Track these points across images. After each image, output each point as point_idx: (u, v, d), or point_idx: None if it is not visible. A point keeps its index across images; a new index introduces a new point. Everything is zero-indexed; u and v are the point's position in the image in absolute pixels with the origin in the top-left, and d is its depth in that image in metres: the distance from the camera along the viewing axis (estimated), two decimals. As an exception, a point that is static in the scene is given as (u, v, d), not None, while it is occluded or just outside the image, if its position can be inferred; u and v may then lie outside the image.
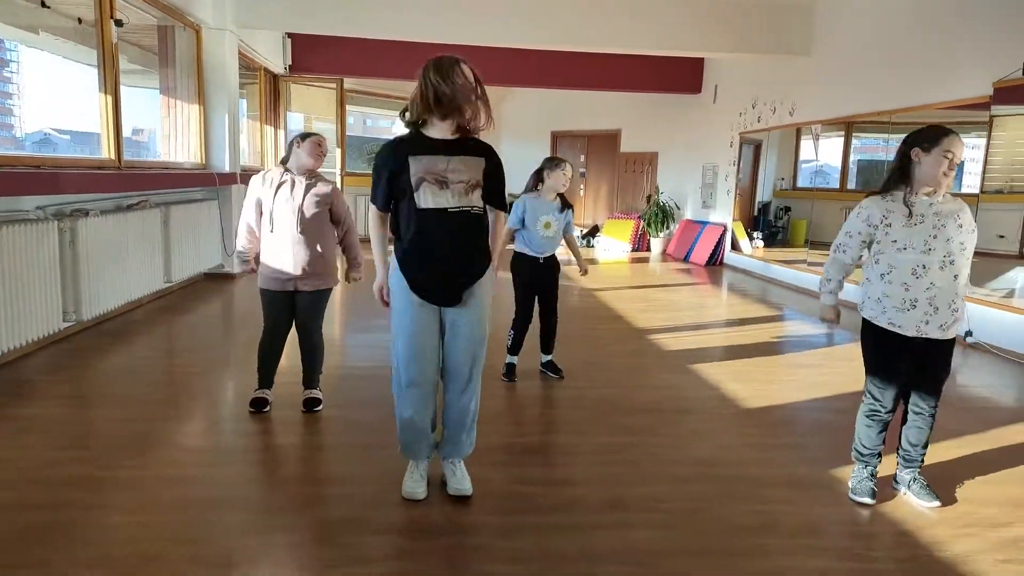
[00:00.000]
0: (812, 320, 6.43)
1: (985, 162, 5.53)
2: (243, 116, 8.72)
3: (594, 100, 11.99)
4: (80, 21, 5.41)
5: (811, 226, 8.37)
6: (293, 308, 3.38)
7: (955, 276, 2.49)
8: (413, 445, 2.60)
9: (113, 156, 5.37)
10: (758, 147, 9.64)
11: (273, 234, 3.28)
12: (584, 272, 4.35)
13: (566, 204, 4.07)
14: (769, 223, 9.57)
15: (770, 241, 9.42)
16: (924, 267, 2.47)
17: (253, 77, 9.29)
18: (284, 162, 3.35)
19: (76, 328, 4.80)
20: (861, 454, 2.73)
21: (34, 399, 3.59)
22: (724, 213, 10.20)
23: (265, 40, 8.91)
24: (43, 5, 5.02)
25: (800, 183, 8.92)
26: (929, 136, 2.46)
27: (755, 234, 9.61)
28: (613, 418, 3.56)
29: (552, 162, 4.01)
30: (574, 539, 2.35)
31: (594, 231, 12.38)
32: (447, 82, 2.31)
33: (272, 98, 9.88)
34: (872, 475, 2.70)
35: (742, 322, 6.26)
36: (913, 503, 2.66)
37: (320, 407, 3.48)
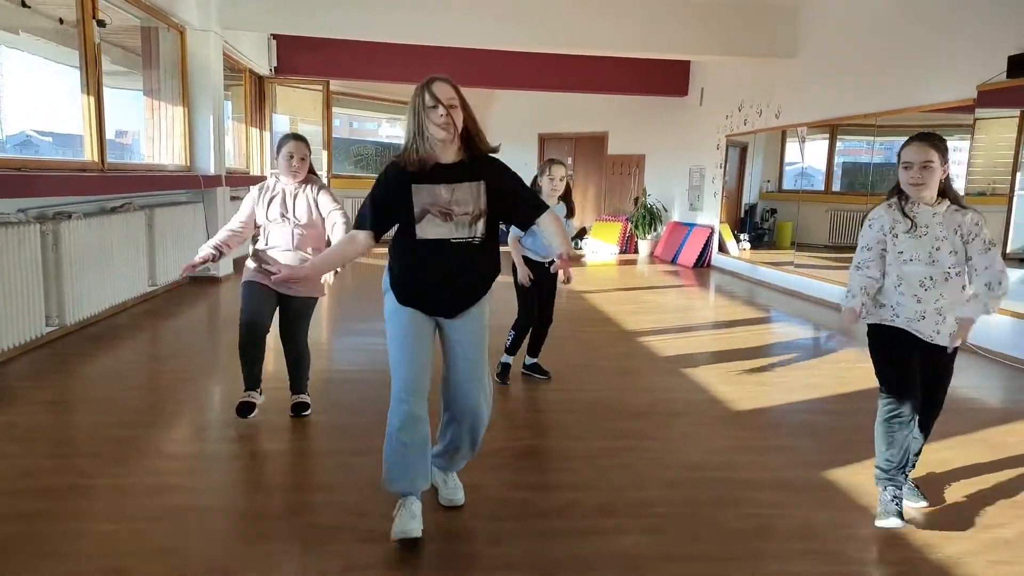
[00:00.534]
0: (799, 321, 6.45)
1: (968, 164, 5.58)
2: (228, 118, 8.65)
3: (581, 103, 12.01)
4: (62, 21, 5.33)
5: (797, 228, 8.41)
6: (275, 305, 3.28)
7: (963, 286, 2.47)
8: (399, 469, 2.30)
9: (96, 158, 5.30)
10: (744, 149, 9.68)
11: (268, 245, 3.22)
12: (567, 278, 4.18)
13: (571, 210, 4.01)
14: (756, 225, 9.61)
15: (757, 243, 9.45)
16: (931, 279, 2.44)
17: (238, 79, 9.22)
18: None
19: (59, 333, 4.72)
20: (885, 471, 2.51)
21: (14, 405, 3.52)
22: (711, 215, 10.24)
23: (250, 41, 8.85)
24: (23, 5, 4.93)
25: (786, 185, 8.96)
26: (898, 154, 2.48)
27: (742, 236, 9.64)
28: (605, 422, 3.54)
29: (542, 165, 3.99)
30: (566, 545, 2.32)
31: (582, 233, 12.38)
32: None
33: (257, 100, 9.81)
34: (897, 497, 2.47)
35: (730, 324, 6.27)
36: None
37: (308, 411, 3.43)
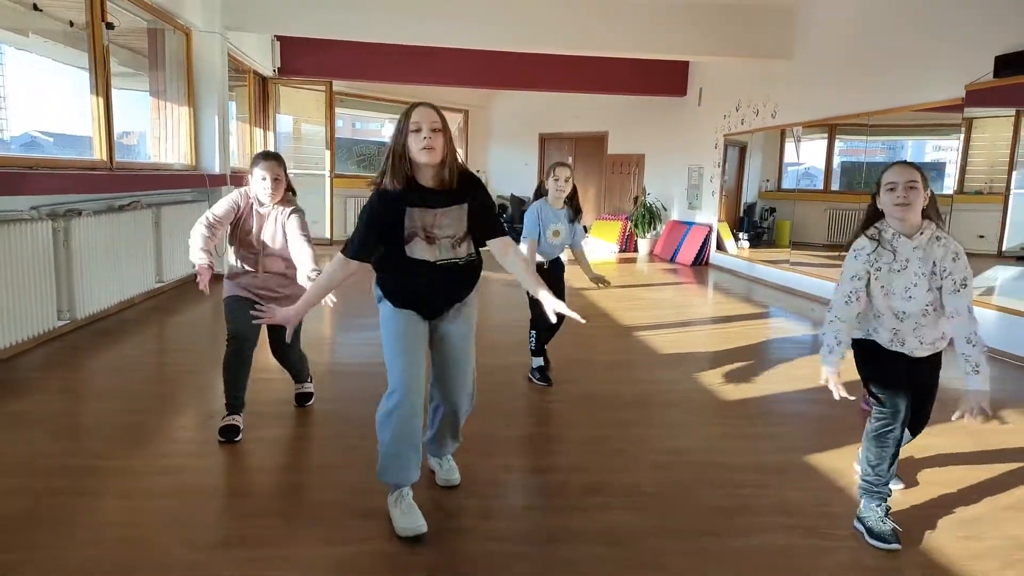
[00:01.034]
0: (795, 317, 6.56)
1: (964, 163, 5.68)
2: (233, 118, 8.78)
3: (581, 103, 12.14)
4: (72, 24, 5.47)
5: (794, 227, 8.51)
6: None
7: (939, 318, 2.43)
8: (392, 461, 2.40)
9: (105, 157, 5.44)
10: (743, 149, 9.79)
11: (240, 266, 3.17)
12: (599, 281, 4.12)
13: (577, 212, 4.03)
14: (754, 224, 9.71)
15: (755, 242, 9.56)
16: (906, 313, 2.42)
17: (242, 79, 9.36)
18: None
19: (70, 326, 4.87)
20: (873, 486, 2.46)
21: (30, 394, 3.66)
22: (710, 214, 10.35)
23: (254, 43, 8.99)
24: (35, 8, 5.08)
25: (785, 185, 9.07)
26: (877, 182, 2.45)
27: (740, 235, 9.74)
28: (598, 412, 3.65)
29: (547, 169, 4.03)
30: (554, 520, 2.46)
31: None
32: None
33: (261, 100, 9.95)
34: (887, 511, 2.44)
35: (727, 320, 6.39)
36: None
37: (311, 401, 3.56)
